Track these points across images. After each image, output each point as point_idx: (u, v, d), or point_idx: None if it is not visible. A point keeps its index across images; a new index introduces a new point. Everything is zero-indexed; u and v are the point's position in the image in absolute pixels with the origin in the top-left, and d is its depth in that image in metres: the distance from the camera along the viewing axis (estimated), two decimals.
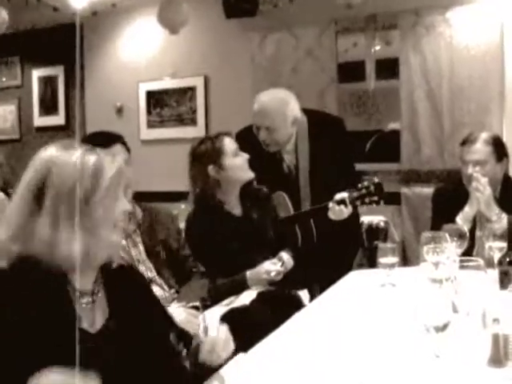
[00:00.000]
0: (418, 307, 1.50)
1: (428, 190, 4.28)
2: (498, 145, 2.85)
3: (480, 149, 2.80)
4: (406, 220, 4.56)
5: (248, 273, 2.67)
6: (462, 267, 1.64)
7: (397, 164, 4.65)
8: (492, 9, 4.26)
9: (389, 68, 4.91)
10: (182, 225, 2.76)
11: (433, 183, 4.26)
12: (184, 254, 2.62)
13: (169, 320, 1.67)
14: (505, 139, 3.26)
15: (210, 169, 2.72)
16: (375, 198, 2.88)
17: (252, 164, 2.85)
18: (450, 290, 1.64)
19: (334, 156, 3.15)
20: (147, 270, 2.43)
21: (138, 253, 2.43)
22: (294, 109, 3.13)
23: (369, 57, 4.86)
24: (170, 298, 2.44)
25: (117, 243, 1.47)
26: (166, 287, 2.46)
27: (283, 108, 3.09)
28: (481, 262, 1.64)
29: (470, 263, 1.62)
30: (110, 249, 1.43)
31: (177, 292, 2.48)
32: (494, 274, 2.00)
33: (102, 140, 2.35)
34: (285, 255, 2.73)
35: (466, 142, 2.87)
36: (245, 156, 2.79)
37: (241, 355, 1.69)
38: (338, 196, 2.89)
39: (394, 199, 4.52)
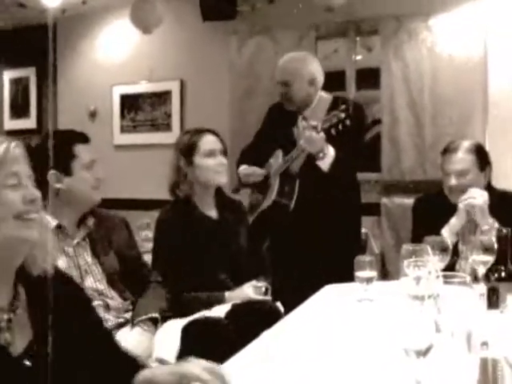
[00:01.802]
0: (397, 328, 1.34)
1: (408, 201, 4.13)
2: (480, 153, 2.72)
3: (462, 158, 2.68)
4: (386, 231, 4.42)
5: (227, 294, 2.54)
6: (446, 283, 1.48)
7: (377, 174, 4.51)
8: (476, 17, 4.16)
9: (370, 78, 4.80)
10: (144, 232, 2.61)
11: (413, 194, 4.11)
12: (140, 262, 2.45)
13: (112, 344, 1.46)
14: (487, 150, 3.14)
15: (182, 162, 2.66)
16: (341, 115, 2.95)
17: (270, 130, 3.40)
18: (432, 309, 1.49)
19: (345, 137, 3.09)
20: (96, 281, 2.24)
21: (85, 263, 2.24)
22: (312, 70, 3.37)
23: (349, 66, 4.74)
24: (123, 309, 2.26)
25: (29, 239, 1.23)
26: (119, 299, 2.28)
27: (300, 65, 3.36)
28: (467, 277, 1.49)
29: (456, 279, 1.47)
30: (17, 248, 1.22)
31: (132, 303, 2.30)
32: (477, 289, 1.86)
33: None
34: (267, 284, 2.61)
35: (447, 150, 2.74)
36: (221, 160, 2.67)
37: None
38: (312, 122, 3.02)
39: (373, 210, 4.39)
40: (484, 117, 4.18)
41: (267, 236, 3.35)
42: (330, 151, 3.09)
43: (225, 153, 2.72)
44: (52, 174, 2.18)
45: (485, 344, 1.30)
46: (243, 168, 3.42)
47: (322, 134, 3.00)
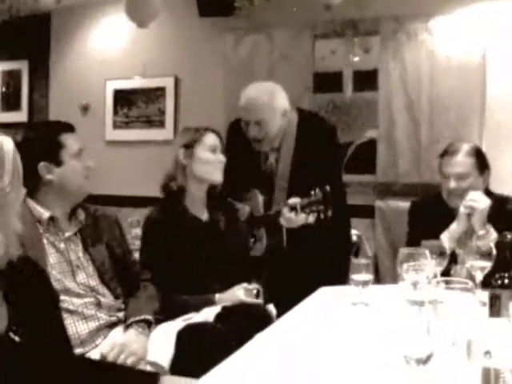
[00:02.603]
0: (395, 334, 1.29)
1: (403, 204, 4.10)
2: (480, 156, 2.68)
3: (462, 161, 2.63)
4: (380, 234, 4.37)
5: (217, 296, 2.48)
6: (447, 288, 1.43)
7: (372, 176, 4.46)
8: (476, 20, 4.12)
9: (367, 80, 4.76)
10: (135, 230, 2.55)
11: (408, 197, 4.06)
12: (131, 260, 2.40)
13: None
14: None
15: (181, 152, 2.62)
16: (321, 208, 2.69)
17: (235, 159, 2.86)
18: (432, 315, 1.44)
19: (318, 161, 2.97)
20: (89, 277, 2.18)
21: (77, 258, 2.18)
22: (282, 100, 3.04)
23: (347, 67, 4.69)
24: (116, 307, 2.20)
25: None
26: (110, 296, 2.21)
27: (271, 99, 3.00)
28: (470, 283, 1.44)
29: (457, 285, 1.42)
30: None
31: (124, 302, 2.24)
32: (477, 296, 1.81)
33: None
34: (259, 286, 2.55)
35: (447, 153, 2.70)
36: (221, 157, 2.66)
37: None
38: (291, 201, 2.75)
39: (367, 212, 4.34)
40: (481, 121, 4.14)
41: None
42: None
43: (223, 152, 2.71)
44: (42, 165, 2.13)
45: (488, 353, 1.24)
46: None
47: (302, 216, 2.72)
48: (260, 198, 3.08)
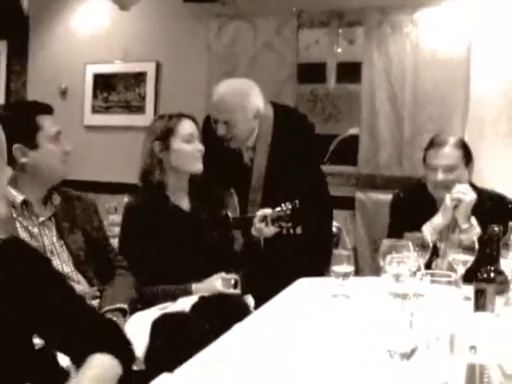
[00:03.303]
0: (378, 328, 1.26)
1: (383, 197, 4.09)
2: (465, 148, 2.67)
3: (450, 153, 2.61)
4: (359, 226, 4.35)
5: (194, 286, 2.41)
6: (432, 282, 1.40)
7: (353, 167, 4.44)
8: (461, 12, 4.10)
9: (351, 71, 4.72)
10: (112, 216, 2.49)
11: (389, 189, 4.04)
12: (107, 247, 2.33)
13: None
14: None
15: (156, 144, 2.52)
16: (289, 225, 2.59)
17: (209, 157, 2.63)
18: (416, 308, 1.40)
19: (296, 160, 2.89)
20: (63, 263, 2.11)
21: (51, 243, 2.11)
22: (255, 101, 2.88)
23: (330, 57, 4.64)
24: (90, 295, 2.14)
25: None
26: (85, 283, 2.15)
27: (243, 101, 2.85)
28: (456, 276, 1.41)
29: (443, 278, 1.38)
30: None
31: (99, 290, 2.17)
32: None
33: None
34: (237, 276, 2.49)
35: (433, 145, 2.67)
36: (198, 146, 2.55)
37: (164, 376, 1.41)
38: (261, 212, 2.63)
39: (347, 204, 4.32)
40: (464, 115, 4.12)
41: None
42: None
43: (200, 138, 2.59)
44: (17, 147, 2.03)
45: (473, 348, 1.21)
46: None
47: (272, 228, 2.61)
48: (235, 200, 2.96)
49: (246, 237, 2.89)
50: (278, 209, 2.61)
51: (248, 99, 2.87)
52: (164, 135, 2.52)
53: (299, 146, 2.92)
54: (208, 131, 2.92)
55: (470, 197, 2.51)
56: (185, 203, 2.60)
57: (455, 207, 2.52)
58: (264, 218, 2.62)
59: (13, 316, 1.23)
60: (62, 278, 1.46)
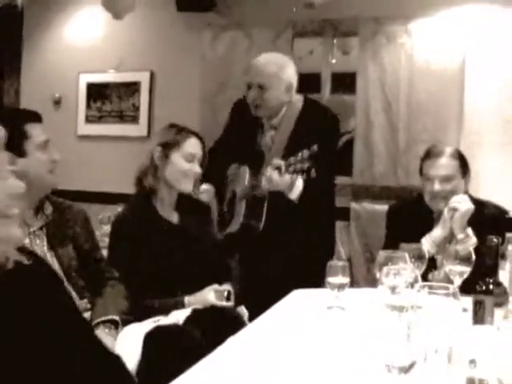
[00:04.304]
0: (375, 341, 1.23)
1: (379, 207, 4.08)
2: (462, 159, 2.65)
3: (447, 163, 2.60)
4: (354, 237, 4.32)
5: (186, 299, 2.39)
6: (430, 293, 1.37)
7: (348, 178, 4.42)
8: (455, 23, 4.11)
9: (345, 82, 4.71)
10: (105, 227, 2.45)
11: (384, 200, 4.04)
12: (98, 257, 2.29)
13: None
14: None
15: (157, 150, 2.52)
16: (306, 165, 2.65)
17: (232, 135, 3.05)
18: (413, 321, 1.38)
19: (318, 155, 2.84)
20: None
21: (42, 253, 2.08)
22: (290, 75, 3.06)
23: (325, 68, 4.64)
24: (81, 308, 2.10)
25: (13, 237, 1.12)
26: (75, 295, 2.11)
27: (279, 71, 3.03)
28: (455, 288, 1.38)
29: (441, 290, 1.36)
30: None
31: (90, 302, 2.14)
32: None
33: None
34: (230, 288, 2.47)
35: (430, 155, 2.66)
36: (196, 168, 2.53)
37: None
38: (275, 161, 2.74)
39: (342, 215, 4.29)
40: (459, 126, 4.12)
41: (235, 252, 3.17)
42: (298, 184, 2.84)
43: (201, 161, 2.58)
44: None
45: (473, 362, 1.19)
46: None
47: (287, 177, 2.73)
48: (247, 172, 3.06)
49: (248, 210, 3.00)
50: (292, 158, 2.70)
51: (284, 71, 3.03)
52: (168, 145, 2.51)
53: (321, 135, 2.93)
54: (236, 112, 3.24)
55: (466, 206, 2.49)
56: (174, 217, 2.58)
57: (451, 217, 2.51)
58: (277, 168, 2.70)
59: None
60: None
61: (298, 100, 3.10)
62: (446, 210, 2.52)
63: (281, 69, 3.03)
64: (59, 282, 1.42)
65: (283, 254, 2.99)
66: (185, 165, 2.51)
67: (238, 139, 3.11)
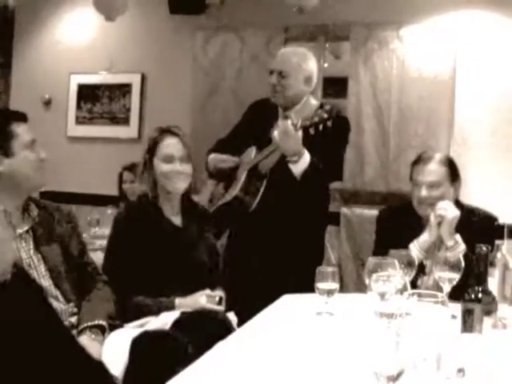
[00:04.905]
0: (364, 348, 1.22)
1: (369, 212, 4.09)
2: (451, 166, 2.65)
3: (435, 169, 2.59)
4: (344, 242, 4.33)
5: (177, 301, 2.36)
6: (419, 301, 1.37)
7: (339, 183, 4.41)
8: (446, 29, 4.13)
9: (337, 86, 4.72)
10: (94, 229, 2.42)
11: (374, 205, 4.05)
12: (86, 260, 2.27)
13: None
14: None
15: (144, 158, 2.52)
16: (324, 115, 2.76)
17: (248, 128, 3.16)
18: (402, 328, 1.37)
19: (324, 143, 2.91)
20: (40, 277, 2.05)
21: (29, 256, 2.06)
22: (310, 67, 3.16)
23: (317, 72, 4.63)
24: (68, 312, 2.08)
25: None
26: (62, 299, 2.09)
27: (300, 61, 3.13)
28: (444, 296, 1.38)
29: (430, 298, 1.35)
30: None
31: (76, 307, 2.12)
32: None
33: None
34: (222, 293, 2.46)
35: (419, 161, 2.65)
36: (177, 167, 2.47)
37: None
38: (292, 115, 2.85)
39: (332, 219, 4.28)
40: (449, 131, 4.14)
41: (224, 230, 3.19)
42: (306, 156, 2.86)
43: (186, 158, 2.51)
44: None
45: (461, 371, 1.18)
46: (214, 155, 3.21)
47: (300, 133, 2.79)
48: (254, 149, 3.14)
49: (246, 183, 3.07)
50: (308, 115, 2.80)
51: (305, 62, 3.14)
52: (149, 150, 2.50)
53: (332, 132, 2.90)
54: (251, 110, 3.33)
55: (452, 213, 2.48)
56: (177, 218, 2.55)
57: (439, 224, 2.51)
58: (293, 124, 2.78)
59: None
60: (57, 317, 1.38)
61: (314, 102, 3.18)
62: (432, 217, 2.52)
63: (302, 60, 3.14)
64: (38, 292, 1.40)
65: (273, 256, 2.99)
66: (165, 167, 2.46)
67: (251, 132, 3.18)
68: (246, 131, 3.22)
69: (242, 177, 3.09)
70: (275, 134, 2.85)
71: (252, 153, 3.14)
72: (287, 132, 2.78)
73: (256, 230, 3.04)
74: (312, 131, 2.79)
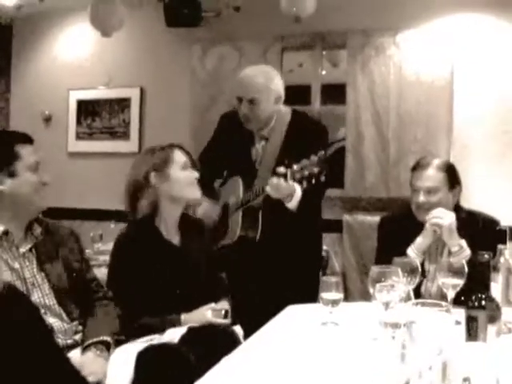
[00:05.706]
0: (369, 358, 1.22)
1: (371, 219, 4.09)
2: (450, 172, 2.65)
3: (433, 175, 2.60)
4: (347, 249, 4.33)
5: (183, 317, 2.37)
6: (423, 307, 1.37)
7: (340, 190, 4.43)
8: (443, 35, 4.14)
9: (335, 93, 4.72)
10: (97, 245, 2.42)
11: (376, 211, 4.05)
12: (89, 277, 2.28)
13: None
14: None
15: (152, 176, 2.48)
16: (315, 170, 2.62)
17: (222, 146, 3.08)
18: (407, 338, 1.38)
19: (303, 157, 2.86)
20: (44, 295, 2.05)
21: (32, 275, 2.06)
22: (278, 85, 3.05)
23: (315, 80, 4.66)
24: (72, 331, 2.08)
25: None
26: (66, 318, 2.09)
27: (268, 82, 3.01)
28: (448, 305, 1.38)
29: (434, 307, 1.35)
30: None
31: (81, 324, 2.12)
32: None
33: None
34: (227, 306, 2.46)
35: (418, 167, 2.66)
36: (195, 173, 2.54)
37: None
38: (280, 169, 2.70)
39: (335, 227, 4.30)
40: (448, 136, 4.14)
41: (232, 265, 3.16)
42: (297, 192, 2.82)
43: (194, 165, 2.58)
44: None
45: (466, 380, 1.18)
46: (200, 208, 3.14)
47: (291, 183, 2.69)
48: (240, 184, 3.07)
49: (245, 221, 3.00)
50: (299, 164, 2.66)
51: (272, 82, 3.02)
52: (161, 166, 2.49)
53: (311, 146, 2.89)
54: (225, 124, 3.24)
55: (448, 220, 2.49)
56: (175, 238, 2.56)
57: (435, 232, 2.51)
58: (283, 175, 2.67)
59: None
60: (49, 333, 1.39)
61: (286, 112, 3.12)
62: (427, 225, 2.53)
63: (270, 80, 3.02)
64: (31, 310, 1.41)
65: (276, 269, 2.98)
66: (184, 174, 2.52)
67: (227, 150, 3.12)
68: (222, 148, 3.16)
69: (239, 216, 3.04)
70: (268, 188, 2.76)
71: (239, 187, 3.08)
72: (279, 187, 2.72)
73: (259, 257, 3.02)
74: (305, 184, 2.70)
